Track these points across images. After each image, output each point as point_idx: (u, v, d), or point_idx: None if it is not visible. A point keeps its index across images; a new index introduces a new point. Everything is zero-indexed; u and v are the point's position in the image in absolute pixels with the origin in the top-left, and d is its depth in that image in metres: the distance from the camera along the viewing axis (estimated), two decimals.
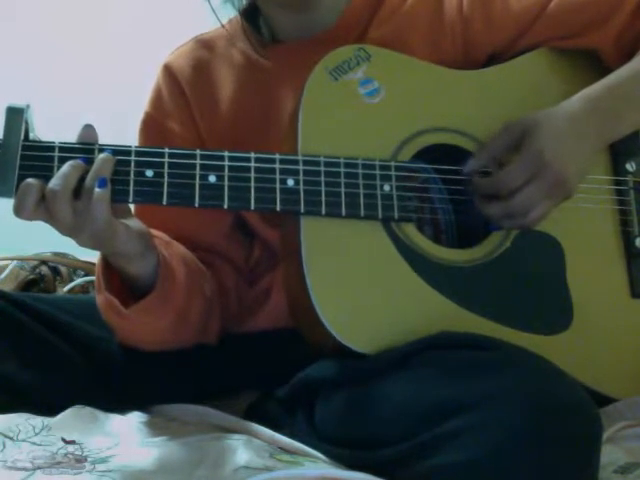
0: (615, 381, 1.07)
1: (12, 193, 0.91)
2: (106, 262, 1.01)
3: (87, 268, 1.60)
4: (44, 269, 1.59)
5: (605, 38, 1.14)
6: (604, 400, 1.05)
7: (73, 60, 2.31)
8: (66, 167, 0.92)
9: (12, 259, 1.60)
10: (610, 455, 0.93)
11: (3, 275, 1.56)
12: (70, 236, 0.94)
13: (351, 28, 1.14)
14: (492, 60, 1.15)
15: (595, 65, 1.16)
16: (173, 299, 1.04)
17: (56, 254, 1.64)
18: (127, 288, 1.03)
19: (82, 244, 0.95)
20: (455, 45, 1.13)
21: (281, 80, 1.14)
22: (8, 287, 1.52)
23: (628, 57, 1.13)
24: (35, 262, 1.59)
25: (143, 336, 1.08)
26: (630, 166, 1.15)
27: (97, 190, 0.92)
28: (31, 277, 1.57)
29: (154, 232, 1.06)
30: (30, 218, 0.92)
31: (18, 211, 0.91)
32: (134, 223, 0.99)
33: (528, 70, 1.14)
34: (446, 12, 1.14)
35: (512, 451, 0.81)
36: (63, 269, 1.60)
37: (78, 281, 1.59)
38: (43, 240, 1.52)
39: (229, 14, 1.20)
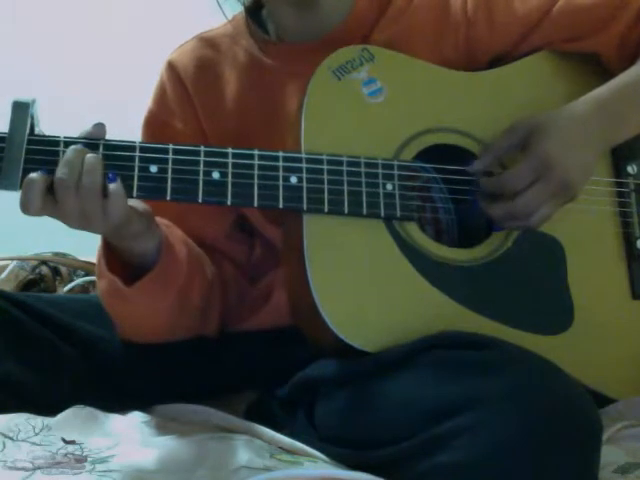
0: (615, 381, 1.08)
1: (17, 186, 0.90)
2: (107, 246, 1.01)
3: (87, 268, 1.59)
4: (44, 269, 1.58)
5: (608, 41, 1.14)
6: (604, 400, 1.05)
7: (74, 59, 2.32)
8: (69, 153, 0.92)
9: (12, 259, 1.59)
10: (610, 455, 0.93)
11: (3, 275, 1.55)
12: (81, 228, 0.93)
13: (356, 30, 1.14)
14: (495, 62, 1.15)
15: (597, 68, 1.16)
16: (175, 277, 1.04)
17: (56, 254, 1.63)
18: (128, 272, 1.02)
19: (94, 232, 0.95)
20: (458, 46, 1.14)
21: (285, 79, 1.14)
22: (8, 287, 1.52)
23: (630, 60, 1.14)
24: (35, 262, 1.59)
25: (144, 320, 1.07)
26: (631, 168, 1.15)
27: (111, 186, 0.91)
28: (31, 277, 1.56)
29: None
30: (37, 213, 0.90)
31: (25, 206, 0.90)
32: (136, 202, 0.98)
33: (530, 72, 1.14)
34: (451, 13, 1.14)
35: (512, 451, 0.81)
36: (63, 269, 1.60)
37: (78, 281, 1.58)
38: (43, 240, 1.52)
39: (232, 11, 1.20)
